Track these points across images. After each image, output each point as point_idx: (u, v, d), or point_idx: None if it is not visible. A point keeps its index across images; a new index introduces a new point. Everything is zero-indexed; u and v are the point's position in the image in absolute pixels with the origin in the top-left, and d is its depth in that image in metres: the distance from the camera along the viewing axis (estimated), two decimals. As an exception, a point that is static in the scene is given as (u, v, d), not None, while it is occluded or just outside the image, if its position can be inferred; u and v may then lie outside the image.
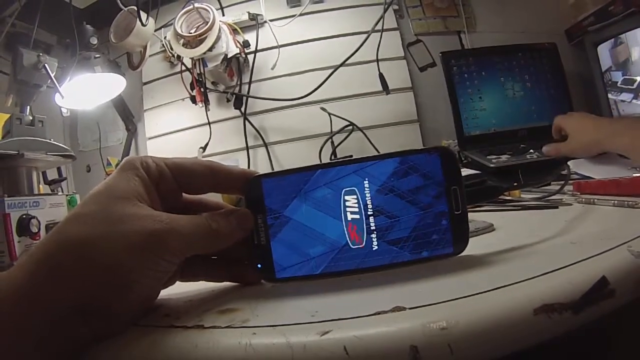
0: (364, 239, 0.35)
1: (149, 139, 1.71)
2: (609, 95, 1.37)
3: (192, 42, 1.44)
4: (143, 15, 1.30)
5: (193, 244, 0.32)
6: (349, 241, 0.35)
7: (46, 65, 1.12)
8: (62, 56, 1.39)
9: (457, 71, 1.26)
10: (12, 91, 1.14)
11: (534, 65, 1.30)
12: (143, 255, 0.28)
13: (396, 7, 1.59)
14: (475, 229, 0.47)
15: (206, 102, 1.58)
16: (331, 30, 1.59)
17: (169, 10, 1.59)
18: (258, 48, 1.55)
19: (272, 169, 1.55)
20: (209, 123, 1.60)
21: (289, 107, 1.56)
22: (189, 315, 0.30)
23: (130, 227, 0.29)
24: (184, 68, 1.59)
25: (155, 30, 1.49)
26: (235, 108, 1.57)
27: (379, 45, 1.41)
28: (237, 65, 1.59)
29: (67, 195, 0.94)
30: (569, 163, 0.81)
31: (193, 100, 1.59)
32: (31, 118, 1.02)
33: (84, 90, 1.34)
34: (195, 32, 1.43)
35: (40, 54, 1.13)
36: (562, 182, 0.61)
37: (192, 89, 1.58)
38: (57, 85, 1.17)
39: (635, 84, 1.27)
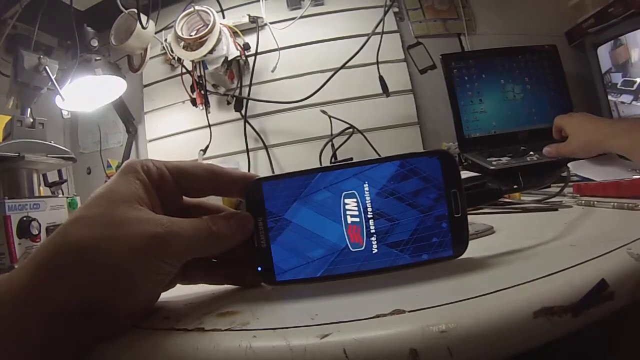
0: (364, 242, 0.35)
1: (150, 141, 1.71)
2: (609, 97, 1.37)
3: (192, 44, 1.44)
4: (143, 17, 1.30)
5: (194, 247, 0.32)
6: (349, 244, 0.35)
7: (47, 67, 1.12)
8: (63, 58, 1.40)
9: (458, 73, 1.26)
10: (13, 93, 1.14)
11: (534, 67, 1.30)
12: (145, 258, 0.29)
13: (396, 9, 1.59)
14: (475, 232, 0.48)
15: (206, 104, 1.58)
16: (331, 32, 1.60)
17: (169, 12, 1.59)
18: (258, 50, 1.56)
19: (273, 171, 1.55)
20: (210, 125, 1.60)
21: (289, 109, 1.56)
22: (189, 318, 0.30)
23: (132, 230, 0.29)
24: (184, 70, 1.59)
25: (156, 33, 1.49)
26: (236, 110, 1.57)
27: (379, 48, 1.41)
28: (237, 67, 1.59)
29: (67, 197, 0.94)
30: (569, 165, 0.81)
31: (193, 102, 1.59)
32: (32, 120, 1.02)
33: (85, 93, 1.34)
34: (195, 34, 1.43)
35: (41, 57, 1.13)
36: (562, 184, 0.62)
37: (192, 92, 1.58)
38: (58, 87, 1.17)
39: (635, 86, 1.27)
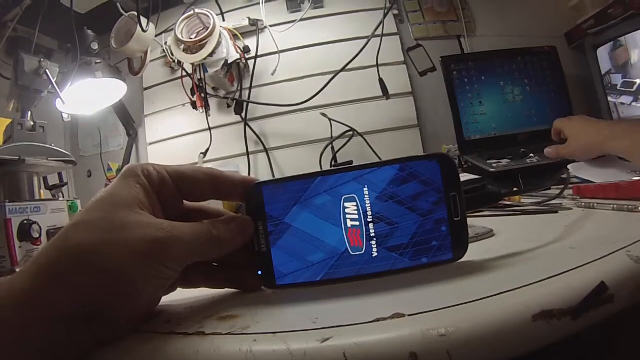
0: (364, 246, 0.35)
1: (150, 144, 1.71)
2: (609, 98, 1.38)
3: (192, 47, 1.44)
4: (143, 20, 1.31)
5: (194, 251, 0.32)
6: (348, 248, 0.35)
7: (47, 70, 1.13)
8: (63, 61, 1.40)
9: (457, 75, 1.26)
10: (13, 96, 1.14)
11: (534, 68, 1.30)
12: (145, 262, 0.29)
13: (396, 11, 1.59)
14: (474, 235, 0.48)
15: (206, 107, 1.59)
16: (331, 35, 1.60)
17: (169, 15, 1.60)
18: (258, 53, 1.56)
19: (273, 174, 1.56)
20: (210, 128, 1.60)
21: (289, 112, 1.56)
22: (189, 321, 0.30)
23: (133, 234, 0.29)
24: (184, 73, 1.59)
25: (156, 36, 1.49)
26: (236, 113, 1.57)
27: (378, 50, 1.41)
28: (237, 70, 1.59)
29: (67, 200, 0.94)
30: (568, 167, 0.81)
31: (193, 105, 1.59)
32: (32, 123, 1.02)
33: (85, 95, 1.34)
34: (195, 37, 1.44)
35: (42, 60, 1.13)
36: (562, 186, 0.62)
37: (192, 94, 1.59)
38: (58, 90, 1.17)
39: (635, 87, 1.27)
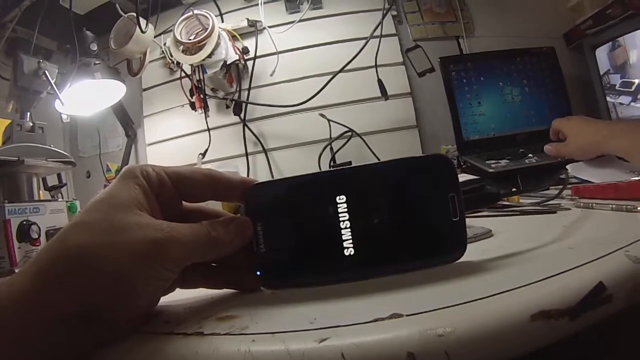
0: (362, 246, 0.35)
1: (149, 145, 1.71)
2: (608, 98, 1.38)
3: (191, 48, 1.44)
4: (142, 21, 1.31)
5: (193, 252, 0.32)
6: (346, 248, 0.35)
7: (46, 71, 1.13)
8: (62, 62, 1.40)
9: (456, 76, 1.26)
10: (13, 97, 1.14)
11: (533, 69, 1.30)
12: (145, 263, 0.29)
13: (395, 12, 1.59)
14: (473, 235, 0.48)
15: (205, 108, 1.58)
16: (330, 36, 1.60)
17: (168, 16, 1.60)
18: (257, 54, 1.56)
19: (272, 174, 1.56)
20: (209, 129, 1.60)
21: (288, 113, 1.56)
22: (188, 322, 0.30)
23: (132, 235, 0.29)
24: (183, 74, 1.59)
25: (155, 37, 1.49)
26: (235, 114, 1.57)
27: (377, 51, 1.41)
28: (236, 71, 1.59)
29: (67, 201, 0.95)
30: (567, 167, 0.82)
31: (192, 106, 1.59)
32: (31, 124, 1.02)
33: (84, 97, 1.34)
34: (194, 38, 1.44)
35: (41, 61, 1.14)
36: (561, 187, 0.62)
37: (191, 96, 1.59)
38: (57, 91, 1.17)
39: (634, 87, 1.27)
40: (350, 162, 1.20)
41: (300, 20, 1.59)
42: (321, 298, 0.32)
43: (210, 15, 1.44)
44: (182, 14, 1.49)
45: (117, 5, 1.36)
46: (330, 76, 1.43)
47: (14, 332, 0.26)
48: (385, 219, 0.35)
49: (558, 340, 0.26)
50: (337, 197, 0.35)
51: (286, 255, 0.36)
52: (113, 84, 1.39)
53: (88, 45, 1.32)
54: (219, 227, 0.34)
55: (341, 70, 1.42)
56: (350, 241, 0.35)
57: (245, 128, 1.58)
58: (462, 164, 1.16)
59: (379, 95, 1.46)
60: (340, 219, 0.35)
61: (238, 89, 1.59)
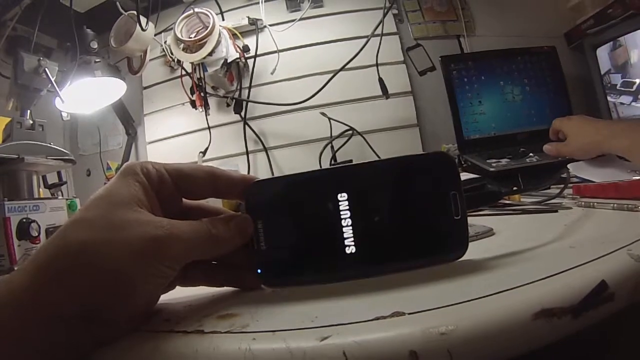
0: (363, 244, 0.35)
1: (149, 143, 1.71)
2: (609, 98, 1.38)
3: (192, 46, 1.44)
4: (143, 19, 1.31)
5: (193, 250, 0.32)
6: (347, 246, 0.35)
7: (47, 69, 1.13)
8: (63, 60, 1.40)
9: (457, 75, 1.26)
10: (13, 95, 1.14)
11: (534, 68, 1.30)
12: (144, 261, 0.29)
13: (395, 11, 1.59)
14: (475, 234, 0.48)
15: (206, 106, 1.58)
16: (331, 34, 1.60)
17: (169, 14, 1.60)
18: (258, 53, 1.56)
19: (272, 173, 1.56)
20: (209, 127, 1.60)
21: (288, 111, 1.56)
22: (189, 320, 0.30)
23: (132, 233, 0.29)
24: (184, 72, 1.59)
25: (155, 35, 1.49)
26: (235, 113, 1.57)
27: (378, 50, 1.41)
28: (237, 69, 1.59)
29: (67, 199, 0.95)
30: (568, 166, 0.81)
31: (193, 104, 1.59)
32: (31, 122, 1.02)
33: (84, 95, 1.34)
34: (195, 36, 1.44)
35: (41, 59, 1.14)
36: (562, 186, 0.62)
37: (192, 94, 1.59)
38: (58, 89, 1.17)
39: (635, 87, 1.27)
40: (351, 161, 1.20)
41: (301, 19, 1.59)
42: (322, 296, 0.32)
43: (211, 14, 1.44)
44: (183, 12, 1.49)
45: (117, 3, 1.36)
46: (331, 75, 1.43)
47: (14, 331, 0.26)
48: (387, 217, 0.35)
49: (559, 339, 0.25)
50: (339, 195, 0.35)
51: (287, 253, 0.36)
52: (113, 82, 1.39)
53: (88, 43, 1.32)
54: (219, 225, 0.33)
55: (342, 69, 1.42)
56: (352, 239, 0.35)
57: (246, 126, 1.58)
58: (462, 162, 1.16)
59: (380, 93, 1.46)
60: (342, 216, 0.35)
61: (239, 87, 1.59)
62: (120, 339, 0.29)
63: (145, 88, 1.73)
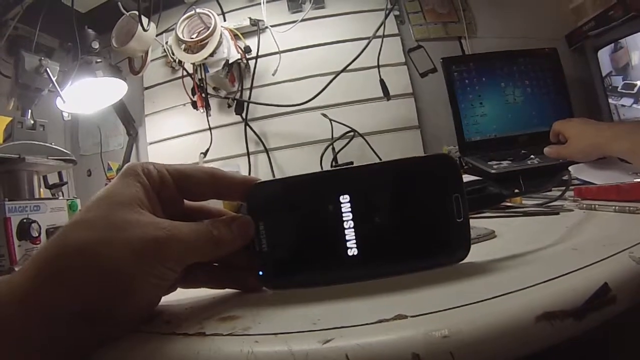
0: (365, 247, 0.35)
1: (150, 144, 1.71)
2: (610, 100, 1.38)
3: (193, 47, 1.44)
4: (144, 20, 1.31)
5: (194, 251, 0.32)
6: (349, 248, 0.35)
7: (48, 69, 1.13)
8: (64, 60, 1.40)
9: (458, 77, 1.26)
10: (14, 95, 1.14)
11: (535, 70, 1.30)
12: (145, 262, 0.28)
13: (397, 13, 1.59)
14: (476, 236, 0.47)
15: (207, 107, 1.58)
16: (332, 36, 1.60)
17: (170, 15, 1.60)
18: (259, 54, 1.56)
19: (273, 174, 1.55)
20: (210, 128, 1.60)
21: (290, 113, 1.56)
22: (190, 322, 0.30)
23: (133, 233, 0.29)
24: (185, 73, 1.58)
25: (157, 35, 1.49)
26: (237, 114, 1.57)
27: (380, 51, 1.41)
28: (238, 70, 1.59)
29: (67, 199, 0.95)
30: (570, 168, 0.81)
31: (194, 105, 1.59)
32: (32, 122, 1.02)
33: (86, 95, 1.34)
34: (196, 37, 1.44)
35: (42, 58, 1.14)
36: (563, 188, 0.62)
37: (193, 95, 1.58)
38: (59, 89, 1.17)
39: (636, 89, 1.27)
40: (352, 162, 1.20)
41: (302, 20, 1.58)
42: (324, 298, 0.32)
43: (212, 14, 1.44)
44: (184, 13, 1.49)
45: (119, 3, 1.35)
46: (333, 76, 1.43)
47: (14, 331, 0.25)
48: (389, 219, 0.35)
49: (562, 341, 0.25)
50: (341, 197, 0.35)
51: (288, 255, 0.36)
52: (114, 83, 1.39)
53: (90, 43, 1.32)
54: (220, 226, 0.33)
55: (343, 70, 1.42)
56: (354, 241, 0.35)
57: (247, 127, 1.58)
58: (463, 164, 1.16)
59: (381, 95, 1.47)
60: (344, 218, 0.35)
61: (240, 88, 1.59)
62: (121, 339, 0.29)
63: (146, 88, 1.73)
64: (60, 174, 1.22)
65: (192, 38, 1.44)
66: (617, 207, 0.54)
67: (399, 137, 1.53)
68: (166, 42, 1.59)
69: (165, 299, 0.34)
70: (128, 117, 1.69)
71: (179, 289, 0.36)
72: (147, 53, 1.46)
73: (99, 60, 1.32)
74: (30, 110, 1.13)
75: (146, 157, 1.71)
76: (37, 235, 0.79)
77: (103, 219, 0.29)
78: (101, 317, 0.28)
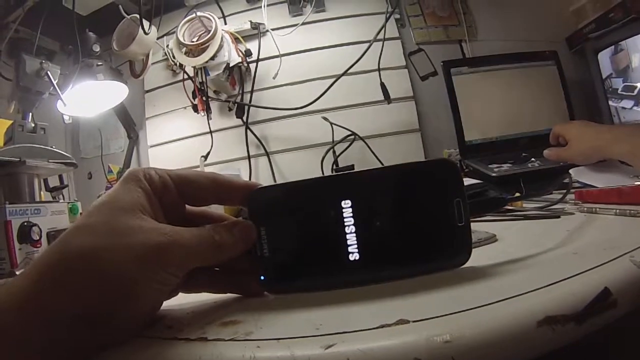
0: (366, 251, 0.35)
1: (151, 147, 1.71)
2: (610, 102, 1.38)
3: (194, 50, 1.44)
4: (145, 23, 1.31)
5: (196, 256, 0.32)
6: (351, 253, 0.35)
7: (49, 72, 1.13)
8: (65, 63, 1.40)
9: (458, 80, 1.26)
10: (15, 98, 1.15)
11: (535, 73, 1.30)
12: (147, 267, 0.29)
13: (398, 16, 1.59)
14: (477, 240, 0.47)
15: (208, 110, 1.58)
16: (333, 39, 1.60)
17: (171, 18, 1.60)
18: (260, 57, 1.56)
19: (274, 178, 1.56)
20: (211, 132, 1.60)
21: (290, 116, 1.56)
22: (192, 327, 0.30)
23: (135, 239, 0.29)
24: (186, 76, 1.59)
25: (158, 39, 1.49)
26: (237, 117, 1.57)
27: (380, 55, 1.41)
28: (239, 74, 1.59)
29: (68, 202, 0.95)
30: (570, 171, 0.81)
31: (195, 108, 1.59)
32: (33, 125, 1.02)
33: (86, 98, 1.34)
34: (197, 40, 1.44)
35: (43, 61, 1.14)
36: (564, 191, 0.62)
37: (194, 98, 1.59)
38: (60, 92, 1.17)
39: (636, 91, 1.28)
40: (352, 166, 1.20)
41: (303, 23, 1.59)
42: (326, 303, 0.32)
43: (213, 18, 1.44)
44: (185, 16, 1.49)
45: (120, 6, 1.36)
46: (333, 79, 1.43)
47: (15, 334, 0.25)
48: (391, 224, 0.35)
49: (563, 346, 0.25)
50: (342, 202, 0.35)
51: (290, 260, 0.36)
52: (115, 86, 1.39)
53: (91, 47, 1.32)
54: (222, 231, 0.33)
55: (344, 74, 1.42)
56: (355, 246, 0.35)
57: (248, 131, 1.58)
58: (464, 168, 1.16)
59: (382, 98, 1.46)
60: (345, 223, 0.35)
61: (241, 92, 1.59)
62: (123, 343, 0.29)
63: (147, 92, 1.73)
64: (61, 177, 1.22)
65: (193, 41, 1.44)
66: (618, 211, 0.53)
67: (399, 141, 1.53)
68: (167, 46, 1.60)
69: (167, 304, 0.34)
70: (129, 120, 1.69)
71: (180, 294, 0.36)
72: (148, 56, 1.46)
73: (99, 63, 1.33)
74: (31, 113, 1.13)
75: (147, 160, 1.71)
76: (37, 238, 0.79)
77: (105, 225, 0.29)
78: (102, 321, 0.28)
